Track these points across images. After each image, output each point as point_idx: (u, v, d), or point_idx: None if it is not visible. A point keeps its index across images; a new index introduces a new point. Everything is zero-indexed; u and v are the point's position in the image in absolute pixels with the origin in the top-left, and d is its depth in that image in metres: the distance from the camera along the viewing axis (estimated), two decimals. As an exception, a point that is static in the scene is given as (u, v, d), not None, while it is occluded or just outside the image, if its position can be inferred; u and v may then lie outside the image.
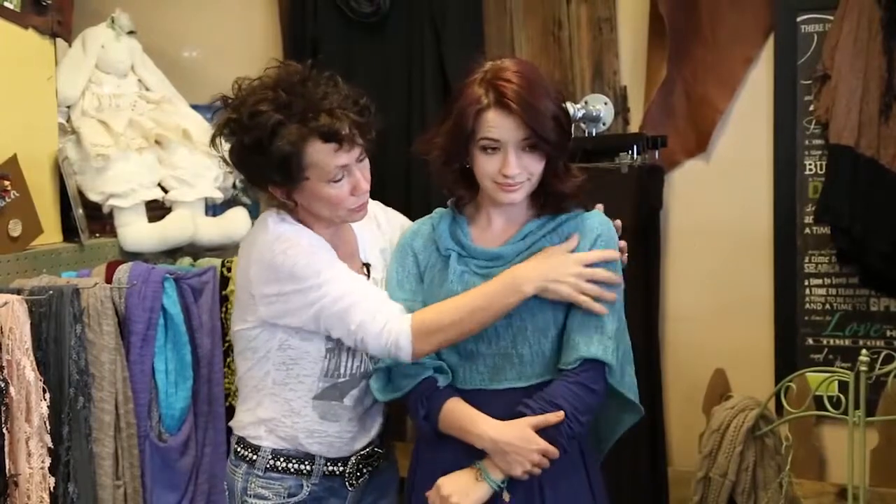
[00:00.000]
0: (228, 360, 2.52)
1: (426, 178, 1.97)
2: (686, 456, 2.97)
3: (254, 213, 2.89)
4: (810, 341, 2.99)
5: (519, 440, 1.63)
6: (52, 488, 2.05)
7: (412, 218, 1.96)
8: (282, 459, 1.83)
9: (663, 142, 2.93)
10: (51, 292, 2.21)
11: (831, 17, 2.82)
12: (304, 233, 1.79)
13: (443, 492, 1.67)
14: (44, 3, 2.61)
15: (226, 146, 1.79)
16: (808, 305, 2.98)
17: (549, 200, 1.75)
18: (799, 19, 2.93)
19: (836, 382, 2.47)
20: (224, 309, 2.58)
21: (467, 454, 1.69)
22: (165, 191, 2.82)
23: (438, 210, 1.87)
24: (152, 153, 2.81)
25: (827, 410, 2.35)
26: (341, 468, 1.85)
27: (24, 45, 2.59)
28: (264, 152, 1.70)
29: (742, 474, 2.45)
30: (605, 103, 3.06)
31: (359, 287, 1.76)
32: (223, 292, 2.60)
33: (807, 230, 2.97)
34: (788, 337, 2.99)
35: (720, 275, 3.06)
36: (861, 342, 2.91)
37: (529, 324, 1.70)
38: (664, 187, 3.02)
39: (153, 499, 2.39)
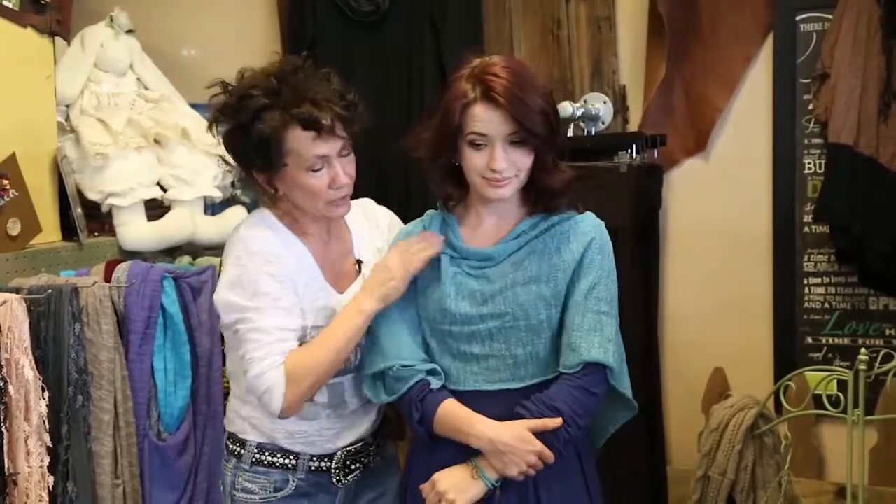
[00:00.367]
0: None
1: (425, 177, 1.97)
2: (685, 455, 2.97)
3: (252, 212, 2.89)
4: (809, 340, 2.99)
5: (516, 441, 1.63)
6: (51, 487, 2.05)
7: (412, 217, 1.96)
8: (267, 453, 1.85)
9: (662, 141, 2.93)
10: (49, 291, 2.21)
11: (830, 16, 2.82)
12: (265, 242, 1.80)
13: (439, 487, 1.66)
14: (42, 2, 2.62)
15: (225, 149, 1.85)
16: (807, 304, 2.98)
17: (539, 198, 1.74)
18: (798, 18, 2.93)
19: (835, 381, 2.46)
20: (223, 308, 2.58)
21: (462, 455, 1.68)
22: (164, 189, 2.82)
23: (430, 212, 1.87)
24: (151, 152, 2.81)
25: (826, 409, 2.34)
26: (327, 464, 1.86)
27: (23, 43, 2.59)
28: (247, 134, 1.75)
29: (741, 473, 2.45)
30: (605, 102, 3.07)
31: (267, 323, 1.75)
32: (222, 291, 2.60)
33: (806, 229, 2.97)
34: (787, 336, 2.99)
35: (719, 274, 3.06)
36: (860, 341, 2.91)
37: (523, 325, 1.69)
38: (663, 186, 3.02)
39: (152, 498, 2.39)
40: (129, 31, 3.01)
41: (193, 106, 3.02)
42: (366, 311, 1.74)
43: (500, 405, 1.68)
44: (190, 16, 3.49)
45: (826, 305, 2.97)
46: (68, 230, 2.68)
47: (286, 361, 1.71)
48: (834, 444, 2.93)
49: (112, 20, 2.97)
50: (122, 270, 2.39)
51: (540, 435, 1.63)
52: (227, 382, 2.51)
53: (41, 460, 2.02)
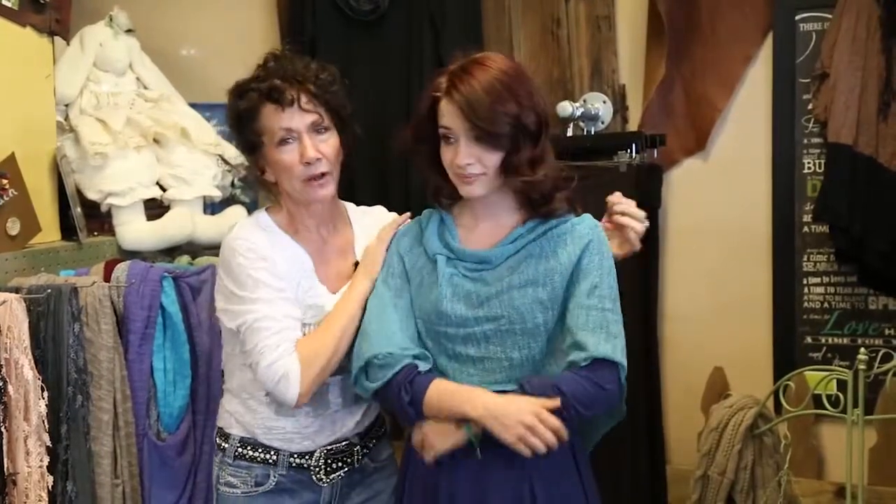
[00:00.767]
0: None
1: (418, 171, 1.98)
2: (685, 454, 2.97)
3: (252, 212, 2.89)
4: (809, 340, 2.99)
5: (510, 403, 1.62)
6: (50, 487, 2.05)
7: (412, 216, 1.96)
8: (249, 448, 1.87)
9: (662, 140, 2.93)
10: (49, 291, 2.21)
11: (830, 16, 2.83)
12: (253, 242, 1.82)
13: (424, 429, 1.69)
14: (42, 2, 2.61)
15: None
16: (806, 304, 2.98)
17: (534, 201, 1.73)
18: (797, 18, 2.93)
19: (835, 381, 2.47)
20: (222, 307, 2.58)
21: (460, 450, 1.67)
22: (164, 189, 2.82)
23: (427, 210, 1.87)
24: (150, 151, 2.81)
25: (825, 409, 2.35)
26: (307, 461, 1.86)
27: (23, 43, 2.59)
28: (232, 114, 1.85)
29: (741, 473, 2.45)
30: (604, 101, 3.07)
31: (275, 312, 1.78)
32: (222, 291, 2.60)
33: (805, 229, 2.97)
34: (787, 335, 2.99)
35: (719, 273, 3.06)
36: (859, 341, 2.92)
37: (519, 328, 1.68)
38: (663, 186, 3.02)
39: (151, 497, 2.39)
40: (129, 31, 3.01)
41: (193, 105, 3.02)
42: (359, 289, 1.82)
43: None
44: (189, 15, 3.49)
45: (825, 305, 2.97)
46: (68, 230, 2.68)
47: (297, 348, 1.75)
48: (833, 444, 2.93)
49: (111, 20, 2.97)
50: (121, 270, 2.39)
51: None
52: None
53: (40, 460, 2.02)
